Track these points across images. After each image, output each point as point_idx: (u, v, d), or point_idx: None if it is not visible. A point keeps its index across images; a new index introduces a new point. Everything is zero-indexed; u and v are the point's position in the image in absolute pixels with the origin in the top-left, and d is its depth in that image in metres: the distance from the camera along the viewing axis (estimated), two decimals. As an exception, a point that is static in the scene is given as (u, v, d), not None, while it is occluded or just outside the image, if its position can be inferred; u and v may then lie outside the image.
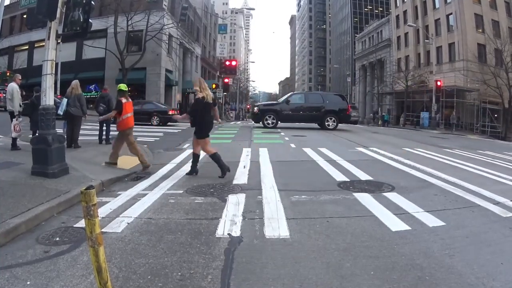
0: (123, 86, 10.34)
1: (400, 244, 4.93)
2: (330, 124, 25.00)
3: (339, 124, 25.61)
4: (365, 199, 7.14)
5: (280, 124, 25.06)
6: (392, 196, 7.40)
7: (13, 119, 10.91)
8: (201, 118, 9.26)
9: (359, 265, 4.29)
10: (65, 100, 12.02)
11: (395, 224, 5.70)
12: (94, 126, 14.77)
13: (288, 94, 29.33)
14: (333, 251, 4.69)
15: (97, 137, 14.15)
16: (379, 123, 54.79)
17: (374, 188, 8.09)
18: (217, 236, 5.16)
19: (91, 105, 15.20)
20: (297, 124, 26.81)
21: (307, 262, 4.36)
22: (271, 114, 24.91)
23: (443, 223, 5.78)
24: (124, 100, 10.04)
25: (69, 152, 9.91)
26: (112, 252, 4.52)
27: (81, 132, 12.73)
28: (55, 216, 5.96)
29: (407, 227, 5.58)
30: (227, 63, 47.61)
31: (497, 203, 7.08)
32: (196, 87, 9.27)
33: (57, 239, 5.01)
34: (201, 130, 9.37)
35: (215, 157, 9.21)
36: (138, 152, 10.08)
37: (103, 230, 5.22)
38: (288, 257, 4.51)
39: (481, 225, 5.85)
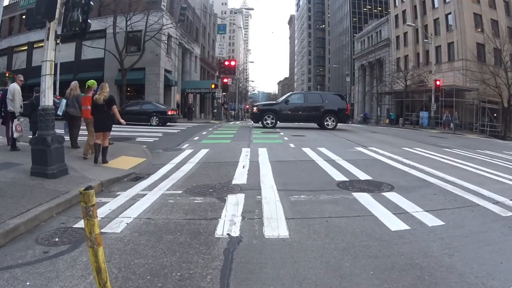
0: (90, 82, 11.51)
1: (399, 244, 4.93)
2: (329, 124, 24.99)
3: (338, 124, 25.62)
4: (364, 198, 7.15)
5: (279, 124, 25.06)
6: (392, 195, 7.40)
7: (15, 120, 10.93)
8: (93, 114, 10.48)
9: (359, 265, 4.30)
10: (64, 101, 12.06)
11: (395, 224, 5.70)
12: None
13: (287, 94, 29.28)
14: (332, 251, 4.69)
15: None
16: (387, 121, 54.78)
17: (373, 187, 8.10)
18: (216, 236, 5.17)
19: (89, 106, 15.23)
20: (296, 124, 26.83)
21: (306, 262, 4.36)
22: (270, 114, 24.90)
23: (442, 223, 5.79)
24: (82, 95, 11.61)
25: (68, 152, 9.91)
26: (111, 253, 4.53)
27: (80, 132, 12.77)
28: (55, 217, 5.98)
29: (406, 227, 5.59)
30: (226, 63, 47.66)
31: (496, 202, 7.09)
32: (92, 90, 11.00)
33: (57, 239, 5.02)
34: (95, 124, 10.44)
35: (105, 149, 10.41)
36: (88, 141, 11.07)
37: (102, 230, 5.23)
38: (287, 257, 4.51)
39: (480, 224, 5.86)
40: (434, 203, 6.99)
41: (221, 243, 4.94)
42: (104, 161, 10.29)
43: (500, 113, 41.36)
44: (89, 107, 10.84)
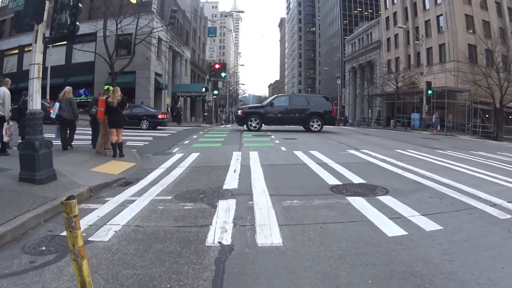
0: (107, 87, 13.05)
1: (397, 250, 4.79)
2: (315, 126, 24.79)
3: (324, 126, 25.50)
4: (359, 203, 7.00)
5: (267, 127, 24.93)
6: (387, 199, 7.28)
7: (4, 123, 10.79)
8: (108, 114, 12.13)
9: (356, 274, 4.14)
10: (57, 104, 12.20)
11: (391, 229, 5.56)
12: (86, 131, 14.62)
13: (273, 97, 29.31)
14: (328, 259, 4.54)
15: (90, 142, 13.96)
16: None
17: (368, 191, 7.96)
18: (207, 244, 4.99)
19: (81, 110, 15.15)
20: (287, 127, 26.78)
21: (301, 272, 4.21)
22: (255, 117, 24.70)
23: (440, 227, 5.66)
24: (100, 97, 12.85)
25: (58, 156, 9.74)
26: (98, 263, 4.37)
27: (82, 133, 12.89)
28: (42, 224, 5.82)
29: (403, 232, 5.45)
30: (217, 66, 47.76)
31: (493, 205, 6.99)
32: (110, 94, 12.25)
33: (43, 248, 4.88)
34: (109, 122, 12.11)
35: (120, 144, 12.23)
36: (103, 140, 12.43)
37: (89, 239, 5.12)
38: (281, 266, 4.35)
39: (479, 228, 5.74)
40: (430, 206, 6.87)
41: (212, 252, 4.76)
42: (121, 155, 12.03)
43: (492, 114, 41.59)
44: (102, 109, 12.23)
